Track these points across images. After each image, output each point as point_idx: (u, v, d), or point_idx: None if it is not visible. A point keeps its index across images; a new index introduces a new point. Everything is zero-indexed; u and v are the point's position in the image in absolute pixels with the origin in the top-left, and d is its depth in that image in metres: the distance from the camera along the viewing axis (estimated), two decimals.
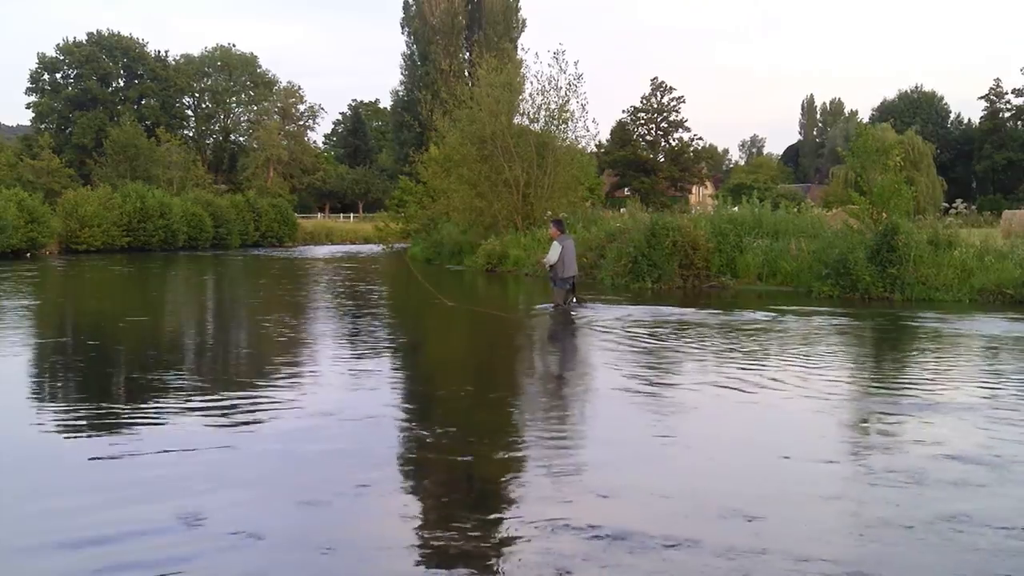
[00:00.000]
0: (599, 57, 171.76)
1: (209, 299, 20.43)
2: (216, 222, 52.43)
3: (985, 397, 7.41)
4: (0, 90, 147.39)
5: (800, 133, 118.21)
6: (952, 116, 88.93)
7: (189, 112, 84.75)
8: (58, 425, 6.62)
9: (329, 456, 5.65)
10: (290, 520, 4.41)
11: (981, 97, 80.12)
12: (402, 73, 72.93)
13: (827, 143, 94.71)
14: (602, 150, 67.74)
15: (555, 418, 6.97)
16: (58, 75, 75.26)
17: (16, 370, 9.47)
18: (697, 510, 4.56)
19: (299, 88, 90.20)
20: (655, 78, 76.31)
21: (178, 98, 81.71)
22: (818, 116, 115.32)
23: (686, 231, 19.23)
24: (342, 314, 15.63)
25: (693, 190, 79.85)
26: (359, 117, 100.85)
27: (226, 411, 6.98)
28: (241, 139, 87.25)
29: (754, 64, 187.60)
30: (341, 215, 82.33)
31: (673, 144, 76.27)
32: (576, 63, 51.49)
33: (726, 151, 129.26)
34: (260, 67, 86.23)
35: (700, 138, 78.65)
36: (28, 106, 75.27)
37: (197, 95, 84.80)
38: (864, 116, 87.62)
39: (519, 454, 5.75)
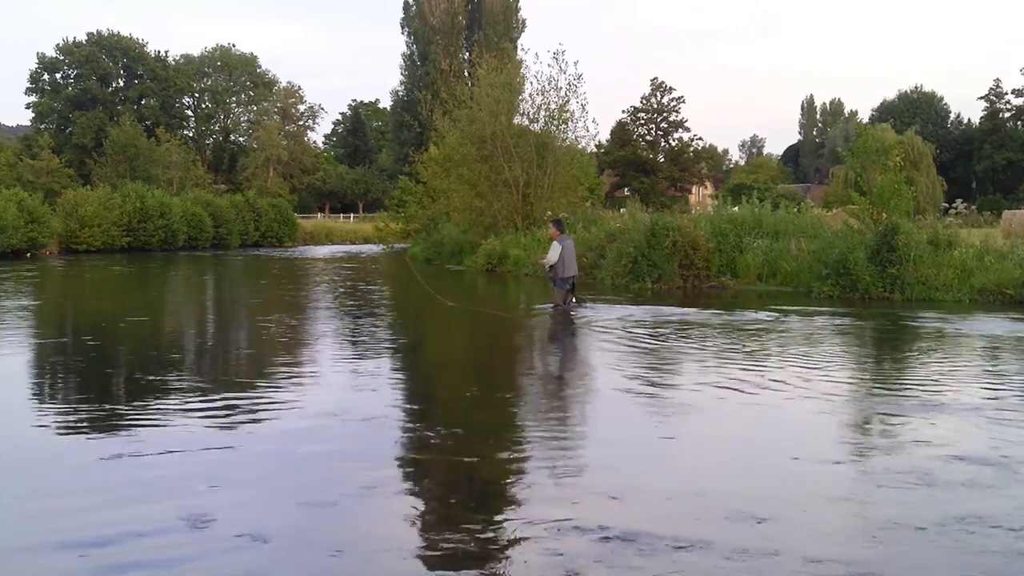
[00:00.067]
0: (599, 57, 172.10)
1: (209, 299, 20.39)
2: (216, 222, 52.40)
3: (989, 398, 7.37)
4: (0, 90, 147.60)
5: (800, 133, 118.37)
6: (952, 116, 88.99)
7: (189, 112, 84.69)
8: (58, 425, 6.58)
9: (330, 457, 5.61)
10: (293, 521, 4.37)
11: (981, 97, 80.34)
12: (402, 73, 73.09)
13: (827, 143, 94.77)
14: (602, 150, 67.73)
15: (557, 419, 6.93)
16: (58, 75, 75.16)
17: (16, 370, 9.44)
18: (704, 511, 4.53)
19: (299, 88, 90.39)
20: (655, 78, 76.54)
21: (178, 98, 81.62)
22: (818, 116, 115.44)
23: (686, 231, 19.20)
24: (342, 314, 15.59)
25: (693, 190, 79.86)
26: (359, 117, 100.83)
27: (227, 412, 6.95)
28: (241, 139, 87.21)
29: (754, 64, 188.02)
30: (341, 215, 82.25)
31: (673, 144, 76.35)
32: (576, 63, 51.69)
33: (726, 151, 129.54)
34: (260, 67, 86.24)
35: (700, 138, 78.94)
36: (28, 106, 75.29)
37: (197, 95, 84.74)
38: (864, 116, 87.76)
39: (523, 455, 5.72)
